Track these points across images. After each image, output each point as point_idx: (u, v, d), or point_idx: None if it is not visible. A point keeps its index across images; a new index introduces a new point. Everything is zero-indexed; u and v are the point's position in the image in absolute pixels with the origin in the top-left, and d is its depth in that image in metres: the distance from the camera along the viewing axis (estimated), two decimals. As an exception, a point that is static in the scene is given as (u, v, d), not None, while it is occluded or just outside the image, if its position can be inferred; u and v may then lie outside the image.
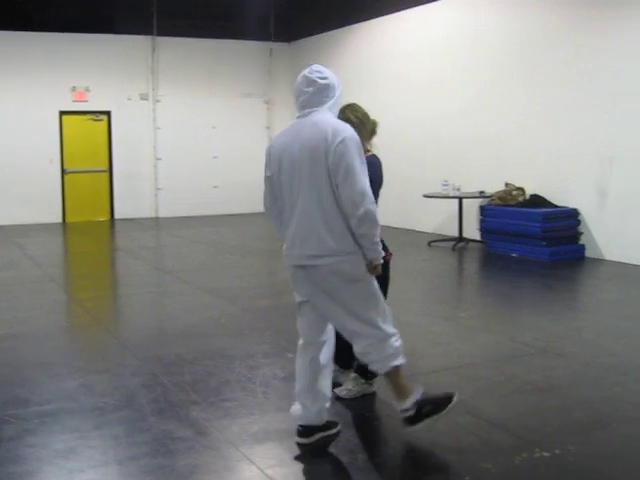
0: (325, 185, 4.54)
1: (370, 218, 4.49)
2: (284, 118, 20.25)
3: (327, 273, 4.62)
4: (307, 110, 4.71)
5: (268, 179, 4.91)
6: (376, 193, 5.03)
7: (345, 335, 4.83)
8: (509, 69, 13.38)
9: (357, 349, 4.79)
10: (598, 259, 11.79)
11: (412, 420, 4.83)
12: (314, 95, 4.72)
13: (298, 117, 4.76)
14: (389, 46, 16.43)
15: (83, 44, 17.86)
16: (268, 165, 4.89)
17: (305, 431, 4.79)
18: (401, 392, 4.83)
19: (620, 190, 11.47)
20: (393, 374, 4.80)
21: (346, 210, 4.51)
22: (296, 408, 4.87)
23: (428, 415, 4.82)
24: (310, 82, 4.73)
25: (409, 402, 4.78)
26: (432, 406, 4.85)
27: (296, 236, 4.71)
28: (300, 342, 4.93)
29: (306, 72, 4.78)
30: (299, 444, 4.78)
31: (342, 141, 4.49)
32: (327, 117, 4.69)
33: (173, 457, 4.60)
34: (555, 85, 12.44)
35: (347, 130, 4.60)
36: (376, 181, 5.15)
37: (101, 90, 18.29)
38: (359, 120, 5.41)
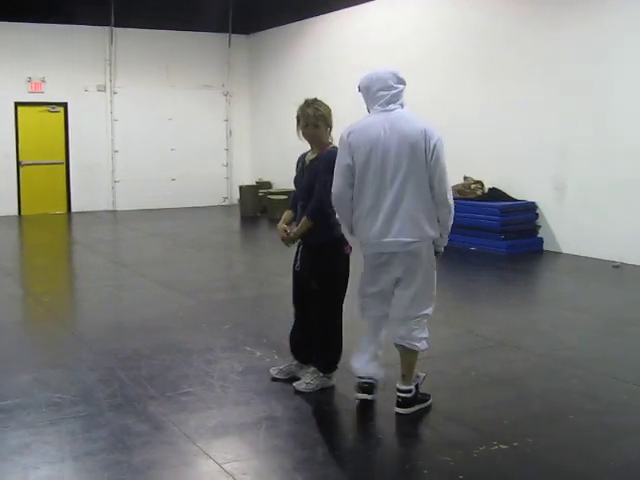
0: (424, 178, 5.05)
1: (452, 213, 5.20)
2: (243, 110, 20.23)
3: (415, 256, 5.16)
4: (392, 106, 5.17)
5: (348, 167, 5.13)
6: None
7: (400, 314, 5.22)
8: (465, 63, 13.44)
9: (404, 331, 5.21)
10: (556, 252, 11.88)
11: (407, 403, 5.18)
12: (400, 93, 5.24)
13: (382, 111, 5.17)
14: (347, 39, 16.41)
15: (39, 34, 17.62)
16: (349, 154, 5.13)
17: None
18: (411, 374, 5.25)
19: (577, 184, 11.57)
20: (415, 355, 5.26)
21: (438, 202, 5.09)
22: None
23: (420, 402, 5.25)
24: (399, 80, 5.28)
25: (413, 384, 5.25)
26: (422, 395, 5.27)
27: (389, 224, 5.07)
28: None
29: (393, 70, 5.32)
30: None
31: (438, 141, 5.07)
32: (414, 115, 5.22)
33: (130, 452, 4.55)
34: (512, 79, 12.51)
35: (437, 131, 5.13)
36: None
37: (57, 81, 18.05)
38: (329, 115, 5.52)
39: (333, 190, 5.19)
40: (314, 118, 5.43)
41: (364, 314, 5.43)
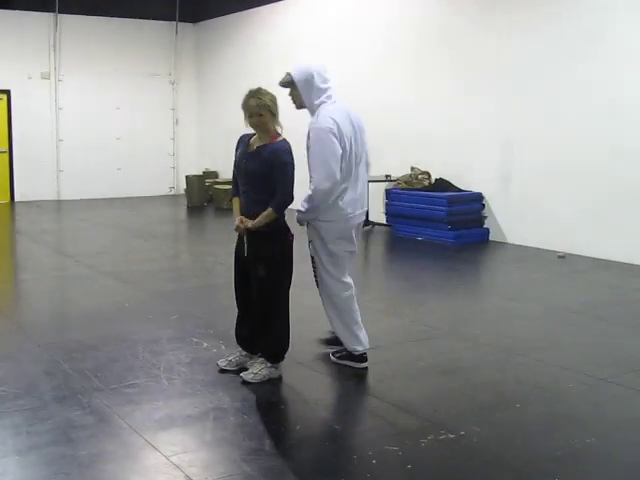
0: (365, 158, 5.96)
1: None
2: (190, 99, 20.09)
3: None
4: (334, 97, 5.86)
5: (340, 155, 5.61)
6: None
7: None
8: (411, 55, 13.47)
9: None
10: (502, 242, 12.00)
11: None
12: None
13: (332, 102, 5.80)
14: (295, 28, 16.37)
15: (-20, 20, 17.32)
16: (339, 142, 5.61)
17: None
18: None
19: (522, 175, 11.69)
20: None
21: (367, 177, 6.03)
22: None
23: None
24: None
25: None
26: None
27: (361, 198, 5.91)
28: (350, 286, 6.07)
29: (322, 64, 5.89)
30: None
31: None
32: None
33: (75, 446, 4.48)
34: (458, 71, 12.59)
35: None
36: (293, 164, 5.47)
37: (0, 68, 17.73)
38: (273, 103, 5.48)
39: (331, 179, 5.52)
40: (257, 108, 5.41)
41: (349, 293, 5.99)
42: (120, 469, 4.28)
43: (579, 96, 10.76)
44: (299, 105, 5.82)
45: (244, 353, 5.84)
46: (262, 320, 5.61)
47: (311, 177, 5.59)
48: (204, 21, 19.81)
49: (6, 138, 18.08)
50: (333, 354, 6.05)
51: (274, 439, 4.72)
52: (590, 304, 8.20)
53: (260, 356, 5.69)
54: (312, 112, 5.74)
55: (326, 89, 5.74)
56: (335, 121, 5.61)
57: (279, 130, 5.54)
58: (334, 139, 5.56)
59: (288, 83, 5.73)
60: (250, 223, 5.43)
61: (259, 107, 5.40)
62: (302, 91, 5.65)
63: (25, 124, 18.12)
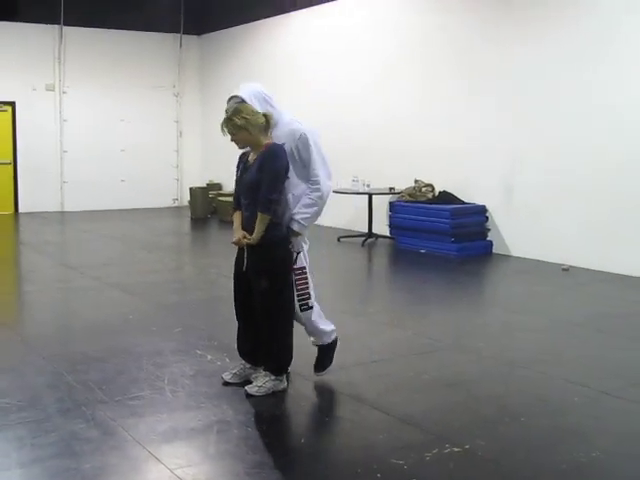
0: None
1: None
2: (194, 111, 20.13)
3: None
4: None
5: None
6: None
7: None
8: (415, 67, 13.50)
9: None
10: (505, 255, 11.99)
11: None
12: None
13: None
14: (299, 41, 16.41)
15: (-15, 32, 17.39)
16: None
17: None
18: None
19: (525, 188, 11.69)
20: None
21: None
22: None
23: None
24: None
25: None
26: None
27: None
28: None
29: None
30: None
31: None
32: None
33: (79, 459, 4.47)
34: (463, 83, 12.60)
35: None
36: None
37: (5, 80, 17.81)
38: (245, 120, 5.46)
39: (331, 178, 5.66)
40: (232, 129, 5.49)
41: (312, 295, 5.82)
42: (124, 482, 4.28)
43: (583, 109, 10.76)
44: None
45: (248, 365, 5.83)
46: (265, 333, 5.61)
47: (315, 179, 5.57)
48: (208, 33, 19.87)
49: (10, 150, 18.13)
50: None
51: (278, 452, 4.72)
52: (593, 317, 8.18)
53: (264, 369, 5.69)
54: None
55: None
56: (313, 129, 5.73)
57: (269, 134, 5.54)
58: (319, 145, 5.65)
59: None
60: (252, 238, 5.44)
61: (233, 128, 5.48)
62: (262, 105, 5.59)
63: (30, 136, 18.17)
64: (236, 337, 5.90)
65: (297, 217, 5.55)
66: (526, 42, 11.50)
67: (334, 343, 6.01)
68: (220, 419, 5.15)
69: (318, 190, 5.56)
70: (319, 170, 5.57)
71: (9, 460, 4.47)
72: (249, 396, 5.51)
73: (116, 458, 4.50)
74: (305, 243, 5.75)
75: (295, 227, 5.55)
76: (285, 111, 5.77)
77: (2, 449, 4.63)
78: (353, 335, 7.34)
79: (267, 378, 5.61)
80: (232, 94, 5.68)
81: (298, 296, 5.69)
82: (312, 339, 5.97)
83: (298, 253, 5.63)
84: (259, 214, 5.40)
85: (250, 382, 5.66)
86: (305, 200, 5.56)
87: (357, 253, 12.62)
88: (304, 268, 5.72)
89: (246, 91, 5.64)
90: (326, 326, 5.94)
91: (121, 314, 8.24)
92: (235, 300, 5.81)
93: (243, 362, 5.86)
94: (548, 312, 8.41)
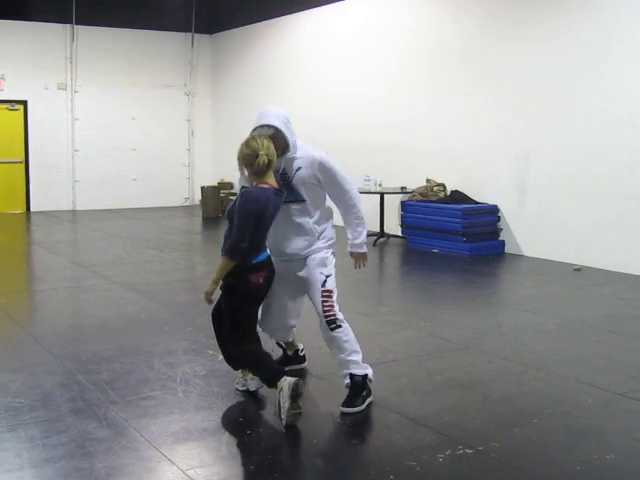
0: None
1: None
2: (205, 110, 20.14)
3: None
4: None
5: None
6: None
7: None
8: (427, 67, 13.47)
9: None
10: (517, 255, 11.95)
11: None
12: None
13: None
14: (311, 41, 16.39)
15: (-1, 31, 17.43)
16: None
17: None
18: None
19: (538, 187, 11.65)
20: None
21: None
22: None
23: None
24: None
25: None
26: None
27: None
28: None
29: None
30: None
31: None
32: None
33: (91, 459, 4.47)
34: (473, 82, 12.57)
35: None
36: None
37: (17, 79, 17.86)
38: (240, 156, 5.29)
39: (356, 189, 5.67)
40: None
41: None
42: (136, 483, 4.27)
43: (595, 108, 10.72)
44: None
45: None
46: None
47: (348, 195, 5.57)
48: (220, 32, 19.86)
49: (22, 148, 18.17)
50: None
51: (290, 453, 4.70)
52: (606, 317, 8.14)
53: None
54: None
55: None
56: None
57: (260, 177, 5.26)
58: None
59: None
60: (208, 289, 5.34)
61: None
62: (288, 131, 5.37)
63: (41, 134, 18.21)
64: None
65: (357, 242, 5.79)
66: (540, 41, 11.45)
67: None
68: (232, 419, 5.14)
69: (355, 206, 5.62)
70: (347, 185, 5.56)
71: (21, 460, 4.46)
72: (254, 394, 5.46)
73: (128, 458, 4.49)
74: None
75: (363, 250, 5.94)
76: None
77: (14, 449, 4.62)
78: (366, 335, 7.30)
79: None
80: (263, 122, 5.33)
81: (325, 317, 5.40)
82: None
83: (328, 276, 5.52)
84: (223, 258, 5.26)
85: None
86: (352, 222, 5.70)
87: (369, 253, 12.54)
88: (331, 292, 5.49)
89: (279, 119, 5.35)
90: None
91: (132, 313, 8.25)
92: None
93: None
94: (561, 313, 8.37)
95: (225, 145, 19.43)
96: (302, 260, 5.53)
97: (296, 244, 5.53)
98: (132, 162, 19.21)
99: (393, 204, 13.67)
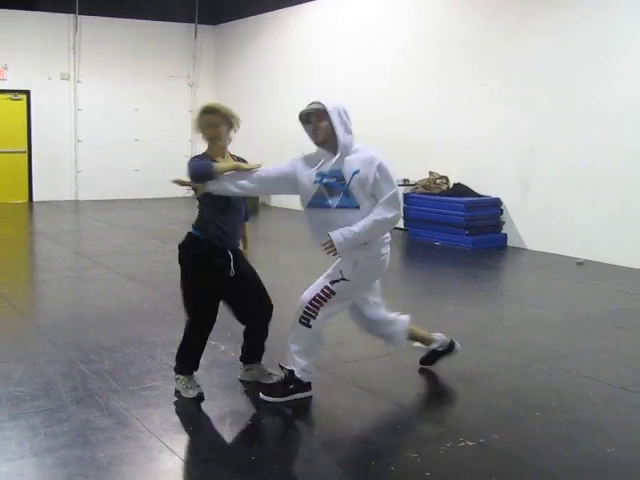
0: None
1: None
2: (208, 101, 20.04)
3: None
4: None
5: None
6: None
7: None
8: (432, 59, 13.43)
9: None
10: (520, 248, 11.93)
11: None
12: None
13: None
14: (315, 32, 16.36)
15: (2, 20, 17.38)
16: None
17: None
18: None
19: (541, 181, 11.63)
20: None
21: None
22: None
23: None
24: None
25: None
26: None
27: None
28: None
29: None
30: None
31: None
32: None
33: (93, 448, 4.46)
34: (478, 75, 12.54)
35: None
36: None
37: (20, 69, 17.82)
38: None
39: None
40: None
41: None
42: (139, 472, 4.26)
43: (600, 102, 10.69)
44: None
45: (245, 367, 5.75)
46: (263, 329, 5.72)
47: (391, 205, 5.39)
48: (223, 23, 19.82)
49: (25, 138, 18.15)
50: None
51: (291, 444, 4.70)
52: (610, 312, 8.12)
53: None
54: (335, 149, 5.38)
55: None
56: None
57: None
58: None
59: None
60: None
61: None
62: (344, 121, 5.36)
63: (44, 124, 18.19)
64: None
65: (344, 231, 5.30)
66: (548, 34, 11.41)
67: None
68: (233, 410, 5.14)
69: (391, 211, 5.41)
70: (395, 200, 5.41)
71: (23, 449, 4.46)
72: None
73: (130, 448, 4.49)
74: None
75: (339, 239, 5.26)
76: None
77: (16, 437, 4.62)
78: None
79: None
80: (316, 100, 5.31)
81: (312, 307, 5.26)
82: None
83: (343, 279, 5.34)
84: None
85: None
86: (363, 222, 5.36)
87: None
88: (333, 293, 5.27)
89: (332, 102, 5.33)
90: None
91: (134, 303, 8.24)
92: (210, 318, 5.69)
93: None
94: (564, 306, 8.35)
95: (228, 136, 19.42)
96: None
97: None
98: (135, 153, 19.17)
99: (396, 197, 13.63)
